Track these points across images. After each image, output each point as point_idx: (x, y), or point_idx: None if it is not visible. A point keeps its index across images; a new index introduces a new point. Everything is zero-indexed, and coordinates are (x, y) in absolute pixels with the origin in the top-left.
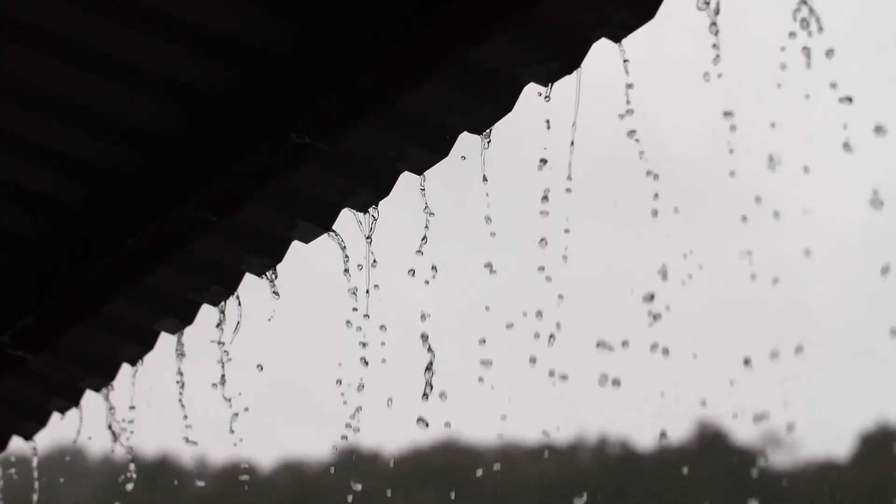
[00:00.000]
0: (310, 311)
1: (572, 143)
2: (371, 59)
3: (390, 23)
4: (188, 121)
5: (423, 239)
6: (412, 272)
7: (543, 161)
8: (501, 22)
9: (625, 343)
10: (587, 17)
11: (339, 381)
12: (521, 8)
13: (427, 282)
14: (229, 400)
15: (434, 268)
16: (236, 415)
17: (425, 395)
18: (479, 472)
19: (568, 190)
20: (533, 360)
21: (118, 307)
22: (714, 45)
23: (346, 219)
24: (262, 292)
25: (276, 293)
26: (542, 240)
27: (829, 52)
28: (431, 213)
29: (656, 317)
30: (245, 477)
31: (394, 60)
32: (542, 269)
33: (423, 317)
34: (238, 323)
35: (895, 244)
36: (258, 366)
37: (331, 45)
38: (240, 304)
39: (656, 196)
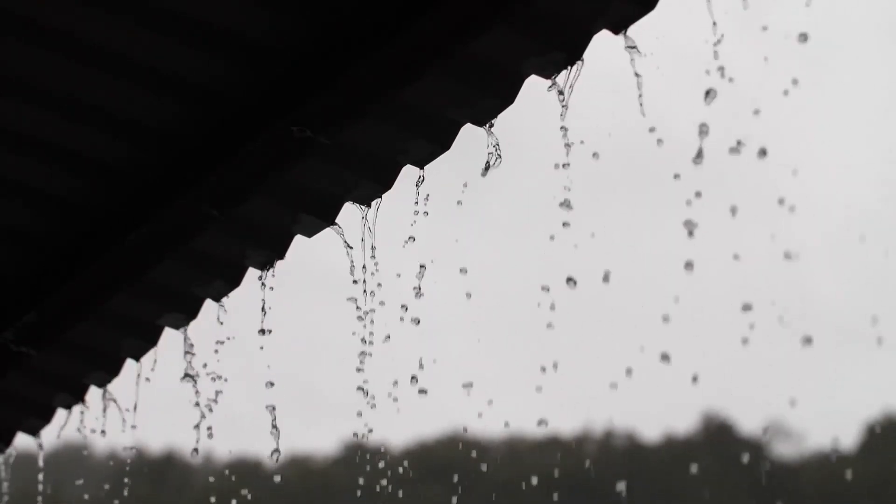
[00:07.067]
0: (314, 305)
1: (563, 128)
2: (372, 51)
3: (391, 15)
4: (189, 115)
5: (411, 232)
6: (422, 269)
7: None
8: (502, 14)
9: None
10: (588, 9)
11: (363, 386)
12: (522, 0)
13: (427, 276)
14: (269, 406)
15: (422, 266)
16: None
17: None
18: (484, 467)
19: (567, 188)
20: (539, 353)
21: (121, 303)
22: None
23: (351, 212)
24: (271, 288)
25: (271, 287)
26: (564, 224)
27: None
28: (426, 213)
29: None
30: (277, 478)
31: (395, 53)
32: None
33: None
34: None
35: None
36: (268, 376)
37: (331, 38)
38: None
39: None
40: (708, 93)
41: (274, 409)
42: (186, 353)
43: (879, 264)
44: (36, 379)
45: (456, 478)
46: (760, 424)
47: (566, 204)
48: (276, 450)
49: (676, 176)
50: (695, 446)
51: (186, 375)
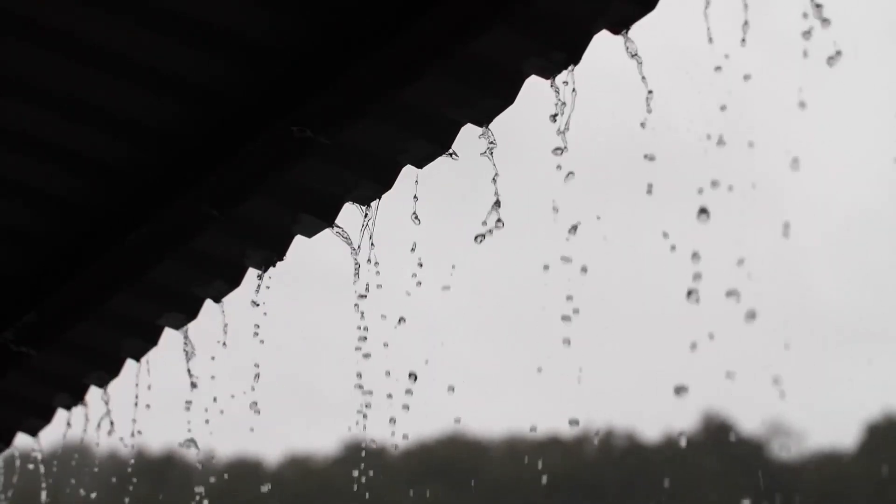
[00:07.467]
0: (314, 305)
1: (560, 125)
2: (372, 52)
3: (391, 15)
4: (189, 115)
5: (415, 244)
6: (414, 378)
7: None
8: (502, 14)
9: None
10: (588, 9)
11: (361, 385)
12: (522, 0)
13: (416, 277)
14: (251, 405)
15: (420, 264)
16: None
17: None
18: (484, 467)
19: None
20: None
21: (121, 303)
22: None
23: (351, 212)
24: (266, 287)
25: (259, 302)
26: (572, 227)
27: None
28: (418, 219)
29: (691, 293)
30: (266, 488)
31: (395, 53)
32: (567, 260)
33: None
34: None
35: None
36: (255, 365)
37: (331, 38)
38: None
39: (650, 190)
40: (702, 211)
41: (264, 416)
42: (188, 366)
43: (879, 264)
44: (36, 379)
45: (457, 477)
46: (760, 424)
47: (573, 231)
48: (268, 485)
49: (649, 190)
50: (695, 446)
51: (188, 441)
